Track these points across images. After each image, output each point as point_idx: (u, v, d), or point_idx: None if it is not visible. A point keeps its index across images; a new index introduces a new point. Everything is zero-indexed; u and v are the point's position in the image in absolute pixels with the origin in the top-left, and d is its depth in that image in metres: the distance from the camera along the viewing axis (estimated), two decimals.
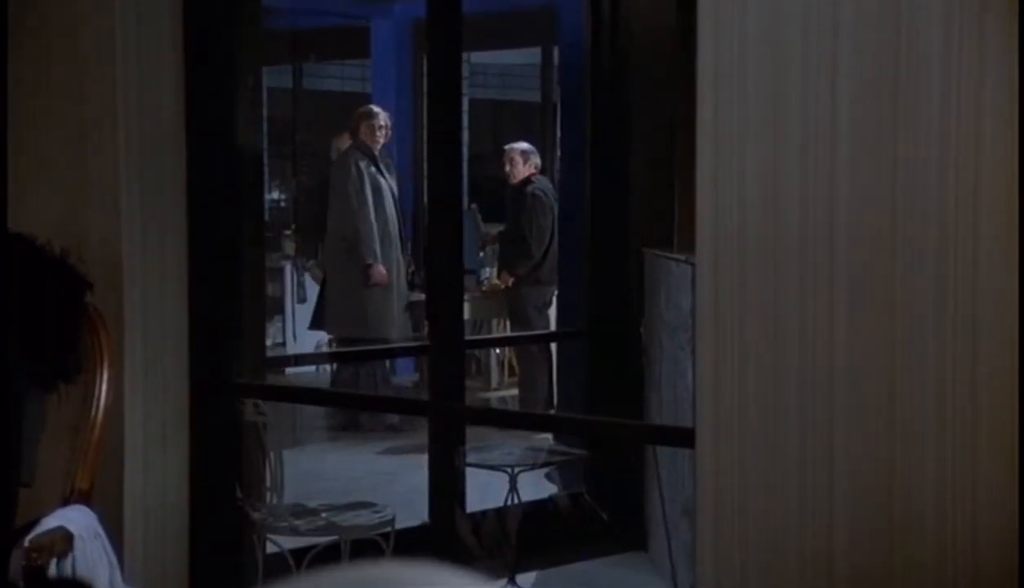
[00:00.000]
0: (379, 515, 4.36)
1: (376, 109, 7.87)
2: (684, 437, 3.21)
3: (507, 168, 8.18)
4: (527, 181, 8.06)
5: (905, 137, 2.52)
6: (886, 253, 2.55)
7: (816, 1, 2.59)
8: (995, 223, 2.47)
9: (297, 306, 9.71)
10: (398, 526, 4.39)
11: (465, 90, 9.36)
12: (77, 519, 3.04)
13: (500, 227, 8.97)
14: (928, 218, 2.51)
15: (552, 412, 7.81)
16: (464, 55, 6.85)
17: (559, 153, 7.24)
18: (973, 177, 2.48)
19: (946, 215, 2.50)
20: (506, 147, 8.39)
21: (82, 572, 2.95)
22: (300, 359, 6.05)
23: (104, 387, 3.25)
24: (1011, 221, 2.45)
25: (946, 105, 2.49)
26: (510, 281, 8.05)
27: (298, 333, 9.43)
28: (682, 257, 4.44)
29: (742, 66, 2.68)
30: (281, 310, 9.77)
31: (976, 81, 2.46)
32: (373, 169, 7.58)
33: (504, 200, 8.57)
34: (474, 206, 9.93)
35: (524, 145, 8.31)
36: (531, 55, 11.62)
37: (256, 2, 4.45)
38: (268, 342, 6.94)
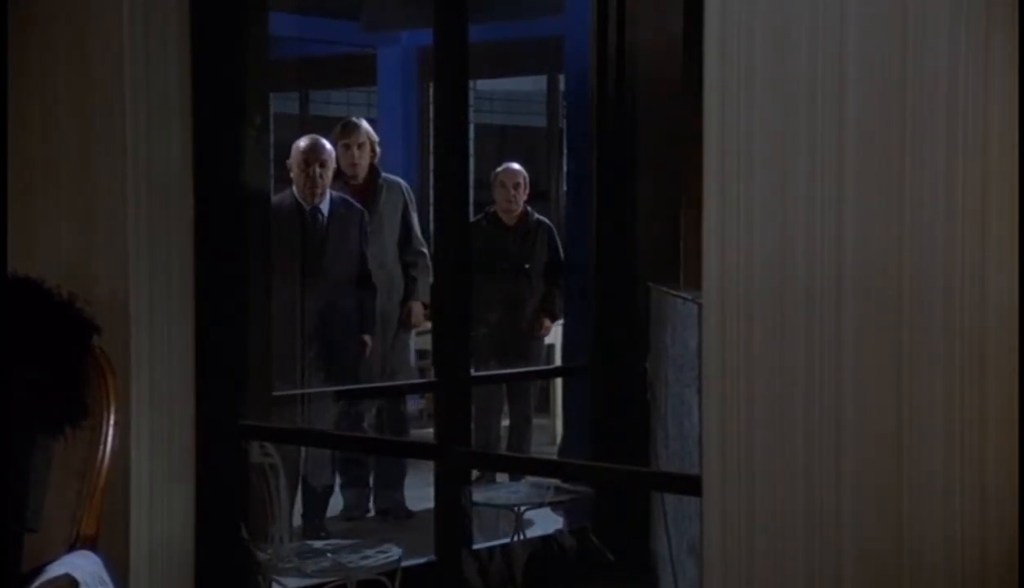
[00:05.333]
0: (385, 555, 4.35)
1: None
2: (691, 484, 3.20)
3: (510, 193, 6.94)
4: (527, 211, 7.03)
5: (912, 180, 2.53)
6: (893, 295, 2.56)
7: (822, 37, 2.59)
8: (1002, 265, 2.47)
9: None
10: (404, 563, 4.39)
11: (471, 117, 9.22)
12: (83, 566, 3.02)
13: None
14: (935, 258, 2.51)
15: (558, 441, 7.81)
16: (470, 82, 6.66)
17: (565, 187, 7.14)
18: (980, 219, 2.48)
19: (953, 257, 2.50)
20: (501, 170, 7.04)
21: None
22: (306, 398, 6.02)
23: (110, 431, 3.22)
24: (1014, 260, 2.45)
25: (952, 146, 2.49)
26: (551, 328, 6.99)
27: None
28: (688, 296, 4.43)
29: (749, 104, 2.68)
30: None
31: (982, 126, 2.47)
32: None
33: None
34: None
35: (519, 166, 7.11)
36: (537, 82, 11.64)
37: (263, 37, 4.45)
38: None
